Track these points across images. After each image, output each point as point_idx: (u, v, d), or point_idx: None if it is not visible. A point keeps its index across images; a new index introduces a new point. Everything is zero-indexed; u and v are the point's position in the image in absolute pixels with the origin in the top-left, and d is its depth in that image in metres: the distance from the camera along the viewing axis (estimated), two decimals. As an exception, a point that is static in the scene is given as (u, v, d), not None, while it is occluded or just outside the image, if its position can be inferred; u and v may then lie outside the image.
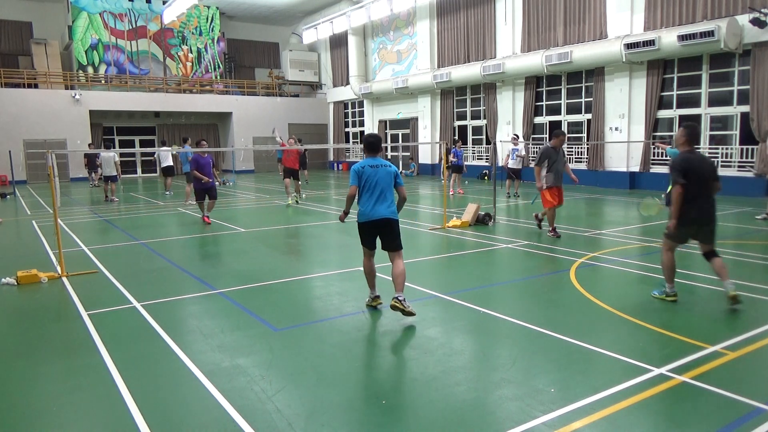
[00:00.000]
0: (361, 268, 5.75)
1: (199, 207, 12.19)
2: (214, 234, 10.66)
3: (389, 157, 28.54)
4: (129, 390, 3.87)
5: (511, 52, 21.34)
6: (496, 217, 11.33)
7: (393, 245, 5.47)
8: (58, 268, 7.36)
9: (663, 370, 4.02)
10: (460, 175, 17.69)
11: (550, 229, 9.49)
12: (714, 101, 16.19)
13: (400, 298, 5.18)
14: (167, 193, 18.49)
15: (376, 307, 5.65)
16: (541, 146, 21.51)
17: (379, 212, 5.37)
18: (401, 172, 23.91)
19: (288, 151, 14.90)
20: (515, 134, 17.24)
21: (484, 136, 23.88)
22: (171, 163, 18.69)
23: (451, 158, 16.60)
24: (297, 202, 15.01)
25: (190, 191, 15.72)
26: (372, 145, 5.57)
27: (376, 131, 29.73)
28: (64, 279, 7.10)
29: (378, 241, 5.55)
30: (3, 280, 6.94)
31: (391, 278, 5.49)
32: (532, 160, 21.58)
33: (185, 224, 12.00)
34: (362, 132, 31.25)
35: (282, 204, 15.43)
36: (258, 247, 9.63)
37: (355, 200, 5.55)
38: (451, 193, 16.52)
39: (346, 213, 5.55)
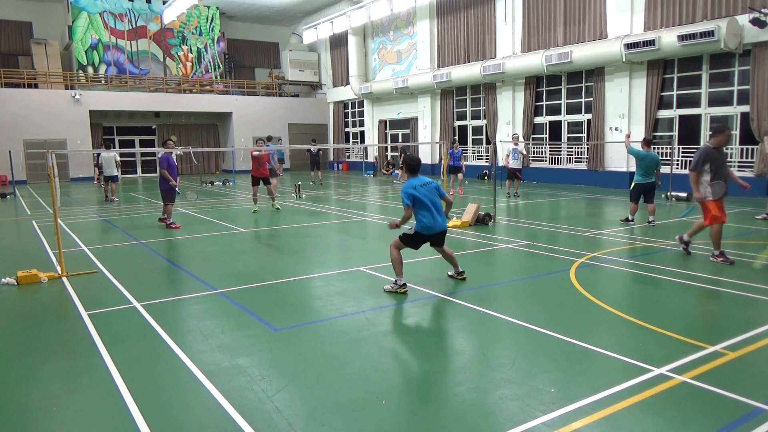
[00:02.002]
0: (361, 268, 5.77)
1: (167, 212, 11.48)
2: (214, 234, 10.66)
3: (389, 157, 28.55)
4: (129, 390, 3.87)
5: (511, 52, 21.34)
6: (496, 217, 11.33)
7: (444, 241, 6.60)
8: (58, 268, 7.36)
9: (663, 370, 4.02)
10: (461, 176, 17.60)
11: (717, 253, 7.40)
12: (714, 101, 16.18)
13: (461, 270, 6.73)
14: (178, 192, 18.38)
15: (404, 293, 6.12)
16: (533, 146, 21.54)
17: (441, 224, 6.31)
18: (399, 173, 23.94)
19: (258, 159, 13.43)
20: (515, 133, 17.21)
21: (484, 136, 23.88)
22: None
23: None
24: (277, 208, 13.75)
25: (275, 184, 16.34)
26: (416, 168, 6.36)
27: (376, 131, 29.73)
28: (64, 279, 7.10)
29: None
30: (3, 280, 6.94)
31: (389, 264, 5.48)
32: (533, 160, 21.71)
33: (185, 224, 11.99)
34: (362, 132, 31.25)
35: (280, 203, 15.43)
36: (258, 247, 9.64)
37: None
38: (451, 193, 16.48)
39: (398, 225, 6.41)
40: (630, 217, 10.93)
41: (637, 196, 10.74)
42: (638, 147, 11.10)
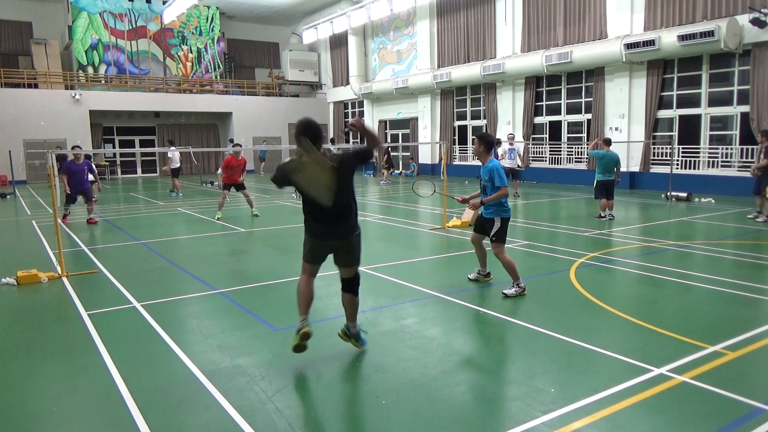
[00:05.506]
0: (362, 268, 5.72)
1: (64, 209, 12.32)
2: (214, 234, 10.66)
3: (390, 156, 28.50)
4: (129, 390, 3.87)
5: (511, 52, 21.33)
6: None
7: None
8: (58, 268, 7.36)
9: (663, 370, 4.02)
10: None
11: None
12: (714, 101, 16.17)
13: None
14: (174, 194, 18.26)
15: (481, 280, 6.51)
16: (533, 146, 21.53)
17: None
18: (401, 172, 23.94)
19: (233, 164, 12.24)
20: (511, 134, 17.15)
21: (484, 136, 23.84)
22: (179, 164, 18.79)
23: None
24: (256, 215, 12.75)
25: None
26: (493, 145, 6.52)
27: (375, 131, 29.65)
28: (64, 279, 7.10)
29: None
30: (3, 280, 6.94)
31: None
32: (533, 160, 21.69)
33: (185, 224, 12.00)
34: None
35: (280, 203, 15.43)
36: (258, 247, 9.63)
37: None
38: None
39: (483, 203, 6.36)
40: (602, 213, 11.54)
41: (601, 192, 11.52)
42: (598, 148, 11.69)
